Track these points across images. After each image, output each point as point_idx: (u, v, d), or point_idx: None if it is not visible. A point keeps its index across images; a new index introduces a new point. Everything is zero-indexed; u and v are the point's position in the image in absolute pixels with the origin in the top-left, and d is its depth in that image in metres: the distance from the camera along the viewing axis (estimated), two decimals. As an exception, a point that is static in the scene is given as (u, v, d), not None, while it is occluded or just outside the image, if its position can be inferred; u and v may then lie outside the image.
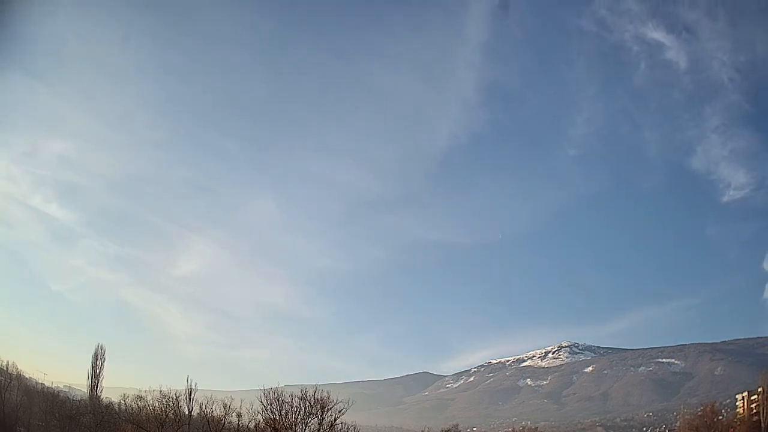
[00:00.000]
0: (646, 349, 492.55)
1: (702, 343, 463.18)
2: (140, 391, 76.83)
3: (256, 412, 64.43)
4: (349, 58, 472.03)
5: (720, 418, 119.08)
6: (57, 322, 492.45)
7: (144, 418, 65.38)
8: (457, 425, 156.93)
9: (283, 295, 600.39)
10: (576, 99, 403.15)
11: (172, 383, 66.69)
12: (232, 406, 67.72)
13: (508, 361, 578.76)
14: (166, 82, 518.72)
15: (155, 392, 64.82)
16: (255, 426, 66.17)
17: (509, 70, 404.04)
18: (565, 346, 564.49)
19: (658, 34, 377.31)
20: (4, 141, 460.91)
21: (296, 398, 61.91)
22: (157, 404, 63.89)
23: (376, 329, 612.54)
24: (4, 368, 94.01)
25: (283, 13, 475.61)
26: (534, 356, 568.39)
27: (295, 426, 60.48)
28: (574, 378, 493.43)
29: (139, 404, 75.78)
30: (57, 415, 79.02)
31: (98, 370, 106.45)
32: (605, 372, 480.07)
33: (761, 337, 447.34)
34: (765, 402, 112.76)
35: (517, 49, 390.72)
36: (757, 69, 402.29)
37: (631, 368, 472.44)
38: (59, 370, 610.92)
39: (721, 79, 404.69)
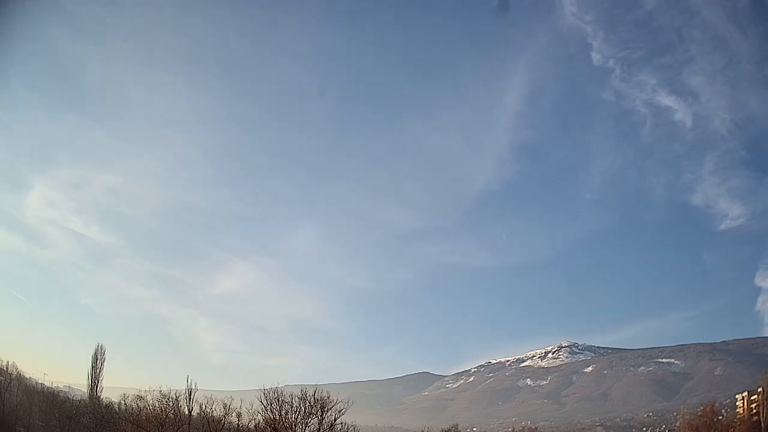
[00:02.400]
0: (646, 349, 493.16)
1: (702, 343, 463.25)
2: (140, 391, 76.77)
3: (256, 412, 64.42)
4: (399, 118, 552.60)
5: (720, 418, 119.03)
6: (76, 329, 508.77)
7: (144, 418, 65.25)
8: (457, 425, 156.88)
9: (311, 309, 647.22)
10: (592, 154, 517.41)
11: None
12: (232, 406, 67.66)
13: (508, 361, 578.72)
14: (226, 128, 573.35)
15: (155, 392, 64.79)
16: (255, 426, 66.07)
17: (538, 132, 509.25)
18: (565, 346, 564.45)
19: (666, 99, 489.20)
20: (54, 174, 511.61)
21: (296, 398, 61.92)
22: (157, 404, 63.77)
23: (395, 341, 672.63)
24: (4, 368, 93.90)
25: (341, 77, 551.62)
26: (534, 356, 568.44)
27: (295, 426, 60.46)
28: (574, 378, 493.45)
29: (139, 404, 75.70)
30: (57, 415, 78.97)
31: (98, 370, 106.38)
32: (605, 372, 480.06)
33: (761, 337, 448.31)
34: (765, 402, 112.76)
35: (545, 115, 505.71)
36: (753, 122, 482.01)
37: (631, 368, 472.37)
38: (59, 370, 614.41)
39: (721, 132, 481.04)
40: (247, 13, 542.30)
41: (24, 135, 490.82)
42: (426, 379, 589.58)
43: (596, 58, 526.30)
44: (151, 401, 65.48)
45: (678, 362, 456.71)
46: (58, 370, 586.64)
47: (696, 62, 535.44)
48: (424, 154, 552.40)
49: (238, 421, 68.86)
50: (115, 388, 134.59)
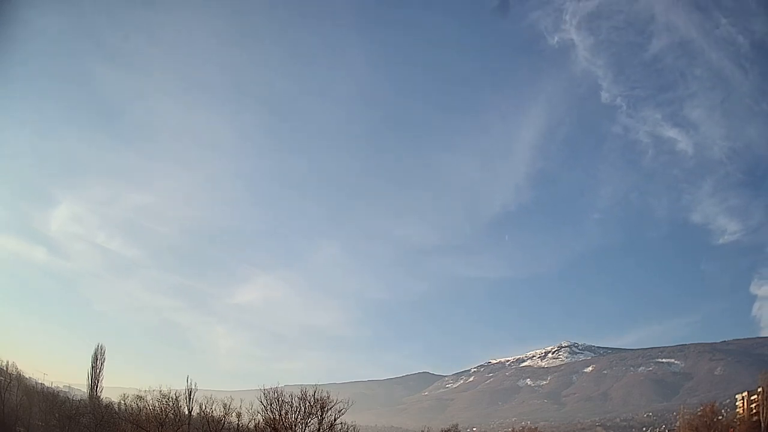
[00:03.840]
0: (646, 349, 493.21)
1: (701, 343, 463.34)
2: (140, 391, 76.48)
3: (256, 412, 64.32)
4: (424, 148, 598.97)
5: (720, 418, 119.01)
6: (88, 334, 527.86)
7: (144, 418, 65.15)
8: (457, 425, 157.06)
9: (327, 318, 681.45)
10: (600, 179, 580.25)
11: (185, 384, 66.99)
12: (232, 406, 67.52)
13: (508, 361, 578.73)
14: (258, 154, 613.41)
15: (155, 392, 64.65)
16: (255, 426, 66.00)
17: (551, 162, 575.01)
18: (565, 346, 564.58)
19: (668, 131, 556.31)
20: (83, 192, 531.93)
21: (296, 398, 61.83)
22: (156, 404, 63.60)
23: (404, 345, 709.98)
24: (4, 368, 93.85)
25: (371, 110, 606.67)
26: (534, 356, 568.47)
27: (295, 426, 60.44)
28: (574, 378, 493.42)
29: (139, 404, 75.48)
30: (57, 415, 78.87)
31: (98, 370, 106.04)
32: (605, 372, 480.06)
33: (761, 337, 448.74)
34: (765, 402, 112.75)
35: (558, 147, 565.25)
36: (750, 149, 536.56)
37: (631, 368, 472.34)
38: (59, 370, 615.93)
39: (720, 158, 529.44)
40: (290, 51, 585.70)
41: (53, 154, 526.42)
42: (426, 379, 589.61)
43: (605, 96, 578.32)
44: (150, 401, 65.39)
45: (678, 362, 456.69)
46: (58, 370, 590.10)
47: (697, 97, 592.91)
48: (446, 181, 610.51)
49: (238, 421, 68.77)
50: (115, 388, 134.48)
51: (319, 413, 61.18)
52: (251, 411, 65.39)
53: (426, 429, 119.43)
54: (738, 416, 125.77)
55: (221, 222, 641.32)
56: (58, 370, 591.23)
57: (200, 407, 66.66)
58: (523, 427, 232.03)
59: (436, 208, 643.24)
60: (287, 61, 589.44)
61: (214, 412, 67.21)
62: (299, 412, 61.07)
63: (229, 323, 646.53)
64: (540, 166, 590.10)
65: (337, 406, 62.24)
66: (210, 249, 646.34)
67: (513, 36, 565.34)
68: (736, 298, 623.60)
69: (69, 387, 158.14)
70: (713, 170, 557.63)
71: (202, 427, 66.54)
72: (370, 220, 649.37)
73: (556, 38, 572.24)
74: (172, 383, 67.89)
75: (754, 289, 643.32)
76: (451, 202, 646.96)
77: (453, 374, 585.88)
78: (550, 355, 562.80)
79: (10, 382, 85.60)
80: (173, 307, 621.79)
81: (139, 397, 76.18)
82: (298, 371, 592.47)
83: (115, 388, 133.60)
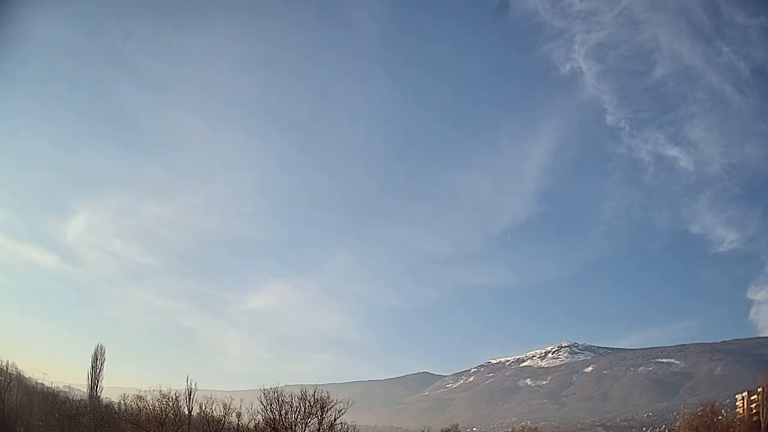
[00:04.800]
0: (646, 349, 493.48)
1: (702, 343, 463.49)
2: (140, 391, 76.33)
3: (256, 412, 64.23)
4: (438, 166, 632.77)
5: (720, 418, 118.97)
6: (96, 336, 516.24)
7: (144, 418, 65.08)
8: (457, 425, 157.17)
9: (337, 322, 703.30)
10: (604, 195, 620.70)
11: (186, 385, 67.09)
12: (232, 406, 67.39)
13: (508, 361, 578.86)
14: (277, 170, 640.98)
15: (155, 392, 64.57)
16: (255, 426, 65.93)
17: (559, 179, 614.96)
18: (565, 346, 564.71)
19: (669, 150, 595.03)
20: (101, 203, 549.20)
21: (296, 398, 61.76)
22: (156, 404, 63.49)
23: (410, 348, 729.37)
24: (4, 368, 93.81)
25: (389, 129, 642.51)
26: (534, 356, 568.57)
27: (295, 426, 60.42)
28: (574, 378, 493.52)
29: (139, 404, 75.32)
30: (57, 415, 78.79)
31: (98, 370, 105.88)
32: (605, 372, 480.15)
33: (761, 337, 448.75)
34: (765, 402, 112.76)
35: (565, 166, 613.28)
36: (748, 164, 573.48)
37: (631, 368, 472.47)
38: (59, 370, 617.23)
39: (719, 173, 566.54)
40: (315, 73, 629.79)
41: (73, 166, 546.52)
42: (426, 379, 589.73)
43: (610, 119, 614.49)
44: (150, 401, 65.31)
45: (678, 362, 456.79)
46: (58, 370, 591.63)
47: (697, 117, 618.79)
48: (459, 196, 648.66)
49: (238, 421, 68.68)
50: (115, 388, 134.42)
51: (319, 413, 61.15)
52: (251, 411, 65.40)
53: (426, 429, 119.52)
54: (738, 416, 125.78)
55: (238, 232, 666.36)
56: (58, 370, 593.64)
57: (200, 407, 66.65)
58: (523, 427, 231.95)
59: (448, 220, 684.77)
60: (311, 82, 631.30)
61: (214, 412, 67.19)
62: (299, 412, 61.02)
63: (241, 327, 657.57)
64: (548, 183, 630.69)
65: (337, 406, 62.22)
66: (225, 256, 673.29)
67: (528, 65, 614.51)
68: (734, 303, 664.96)
69: (69, 387, 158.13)
70: (712, 185, 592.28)
71: (202, 427, 66.48)
72: (384, 231, 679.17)
73: (568, 67, 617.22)
74: (174, 383, 68.00)
75: (751, 294, 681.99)
76: (463, 215, 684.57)
77: (453, 374, 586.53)
78: (550, 355, 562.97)
79: (10, 382, 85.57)
80: (184, 311, 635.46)
81: (139, 397, 76.02)
82: (301, 372, 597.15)
83: (115, 388, 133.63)
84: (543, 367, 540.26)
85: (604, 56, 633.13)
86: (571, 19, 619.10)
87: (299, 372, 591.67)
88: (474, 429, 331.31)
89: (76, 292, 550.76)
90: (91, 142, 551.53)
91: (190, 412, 65.56)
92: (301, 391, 62.91)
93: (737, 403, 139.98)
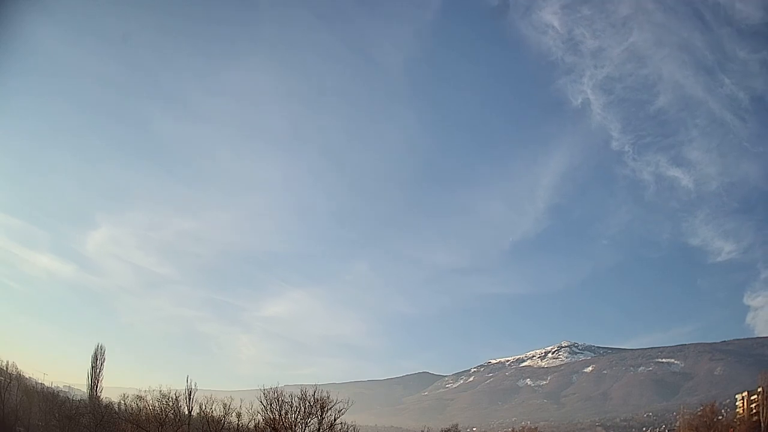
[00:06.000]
0: (646, 349, 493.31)
1: (701, 343, 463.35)
2: (140, 391, 76.29)
3: (256, 412, 64.27)
4: (458, 190, 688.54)
5: (720, 418, 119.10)
6: (107, 341, 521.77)
7: (144, 418, 65.15)
8: (457, 425, 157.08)
9: (350, 329, 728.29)
10: (608, 211, 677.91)
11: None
12: (231, 406, 67.45)
13: (508, 361, 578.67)
14: (301, 192, 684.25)
15: (155, 392, 64.63)
16: (255, 426, 65.91)
17: (568, 199, 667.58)
18: (565, 346, 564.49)
19: (669, 171, 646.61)
20: (125, 217, 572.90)
21: (296, 398, 61.88)
22: (156, 404, 63.63)
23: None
24: (4, 368, 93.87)
25: (409, 157, 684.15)
26: (534, 356, 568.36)
27: (295, 426, 60.47)
28: (574, 378, 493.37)
29: (139, 404, 75.36)
30: (57, 415, 78.63)
31: (98, 370, 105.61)
32: (605, 372, 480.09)
33: (761, 337, 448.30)
34: (765, 402, 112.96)
35: (574, 187, 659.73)
36: (745, 182, 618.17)
37: (631, 368, 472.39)
38: (59, 370, 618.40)
39: (717, 191, 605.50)
40: (347, 105, 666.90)
41: (98, 181, 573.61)
42: (426, 379, 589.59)
43: (615, 144, 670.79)
44: (150, 401, 65.39)
45: (678, 362, 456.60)
46: (58, 370, 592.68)
47: (696, 141, 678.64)
48: (475, 217, 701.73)
49: (238, 421, 68.65)
50: (115, 388, 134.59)
51: (318, 413, 61.23)
52: (251, 411, 65.41)
53: (426, 429, 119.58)
54: (738, 416, 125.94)
55: (261, 246, 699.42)
56: (58, 370, 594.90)
57: (200, 407, 66.66)
58: (523, 427, 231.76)
59: (463, 236, 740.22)
60: (343, 114, 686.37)
61: (214, 412, 67.25)
62: (299, 412, 61.13)
63: (254, 333, 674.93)
64: (557, 202, 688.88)
65: (336, 406, 62.34)
66: (245, 268, 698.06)
67: (543, 99, 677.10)
68: (731, 308, 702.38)
69: (69, 387, 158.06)
70: (710, 201, 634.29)
71: (202, 427, 66.53)
72: (402, 246, 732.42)
73: (579, 99, 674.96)
74: (174, 384, 68.06)
75: (747, 300, 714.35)
76: (478, 232, 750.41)
77: (453, 374, 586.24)
78: (550, 355, 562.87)
79: (10, 382, 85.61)
80: (199, 318, 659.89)
81: (139, 397, 76.03)
82: (304, 374, 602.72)
83: (115, 388, 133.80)
84: (543, 367, 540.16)
85: (611, 88, 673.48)
86: (581, 55, 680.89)
87: (306, 374, 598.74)
88: (474, 429, 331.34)
89: (90, 298, 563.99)
90: (119, 160, 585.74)
91: (190, 412, 65.55)
92: (301, 391, 62.95)
93: (737, 403, 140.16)
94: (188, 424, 64.55)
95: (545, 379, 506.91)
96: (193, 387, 65.63)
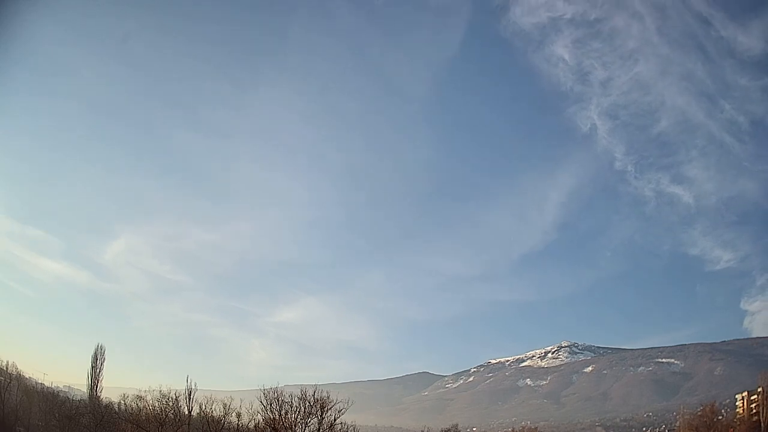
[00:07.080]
0: (646, 349, 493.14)
1: (701, 343, 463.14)
2: (140, 391, 76.28)
3: (256, 412, 64.24)
4: (471, 205, 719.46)
5: (720, 418, 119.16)
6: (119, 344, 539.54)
7: (144, 418, 65.15)
8: (457, 425, 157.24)
9: (360, 334, 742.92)
10: (611, 225, 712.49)
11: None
12: (231, 406, 67.43)
13: (508, 361, 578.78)
14: (320, 207, 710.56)
15: (155, 392, 64.62)
16: (255, 426, 65.89)
17: (574, 215, 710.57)
18: (565, 346, 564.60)
19: (669, 188, 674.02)
20: (144, 228, 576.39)
21: (296, 398, 61.85)
22: (156, 404, 63.62)
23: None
24: (4, 368, 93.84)
25: (430, 175, 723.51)
26: (533, 356, 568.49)
27: (295, 426, 60.48)
28: (574, 378, 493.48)
29: (139, 404, 75.36)
30: (57, 415, 78.59)
31: (98, 370, 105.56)
32: (605, 372, 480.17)
33: (761, 337, 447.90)
34: (764, 402, 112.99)
35: (580, 204, 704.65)
36: (744, 196, 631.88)
37: (631, 368, 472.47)
38: (59, 370, 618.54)
39: (716, 205, 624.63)
40: (367, 125, 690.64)
41: (120, 193, 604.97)
42: (426, 379, 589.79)
43: (618, 164, 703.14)
44: (150, 401, 65.38)
45: (678, 362, 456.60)
46: (58, 370, 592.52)
47: (696, 160, 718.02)
48: (486, 230, 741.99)
49: (238, 421, 68.65)
50: (115, 388, 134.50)
51: (318, 413, 61.22)
52: (251, 411, 65.38)
53: (426, 429, 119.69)
54: (738, 416, 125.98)
55: (280, 256, 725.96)
56: (58, 370, 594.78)
57: (200, 407, 66.63)
58: (523, 427, 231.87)
59: (474, 248, 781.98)
60: (364, 135, 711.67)
61: (213, 412, 67.23)
62: (299, 412, 61.11)
63: (265, 338, 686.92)
64: (563, 218, 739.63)
65: (336, 406, 62.32)
66: (260, 276, 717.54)
67: (554, 126, 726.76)
68: (729, 312, 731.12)
69: (69, 387, 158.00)
70: (709, 215, 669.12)
71: (202, 427, 66.51)
72: (415, 257, 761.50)
73: (588, 126, 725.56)
74: (175, 384, 68.03)
75: (744, 305, 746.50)
76: (488, 244, 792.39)
77: (453, 374, 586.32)
78: (549, 355, 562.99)
79: (10, 382, 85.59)
80: (210, 323, 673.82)
81: (139, 397, 76.03)
82: (307, 375, 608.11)
83: (115, 388, 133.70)
84: (543, 367, 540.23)
85: (616, 114, 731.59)
86: (590, 84, 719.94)
87: (307, 375, 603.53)
88: (474, 429, 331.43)
89: (95, 301, 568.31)
90: (142, 172, 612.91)
91: (189, 412, 65.50)
92: (301, 391, 62.92)
93: (737, 403, 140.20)
94: (188, 424, 64.52)
95: (545, 379, 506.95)
96: (193, 387, 65.55)
